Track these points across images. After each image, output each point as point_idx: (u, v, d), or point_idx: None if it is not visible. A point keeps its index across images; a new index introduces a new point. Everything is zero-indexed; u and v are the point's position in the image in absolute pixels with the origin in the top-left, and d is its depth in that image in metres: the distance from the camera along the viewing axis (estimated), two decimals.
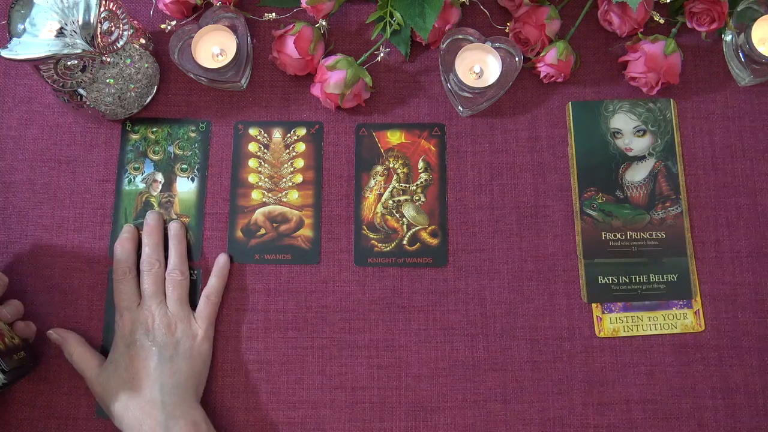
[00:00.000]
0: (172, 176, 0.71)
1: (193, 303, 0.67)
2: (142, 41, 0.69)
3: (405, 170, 0.71)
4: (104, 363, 0.64)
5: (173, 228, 0.68)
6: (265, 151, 0.71)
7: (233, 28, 0.69)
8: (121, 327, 0.64)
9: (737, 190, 0.70)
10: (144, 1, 0.74)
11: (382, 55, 0.70)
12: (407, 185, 0.70)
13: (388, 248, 0.69)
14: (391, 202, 0.70)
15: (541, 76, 0.71)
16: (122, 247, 0.67)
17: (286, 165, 0.71)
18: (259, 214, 0.70)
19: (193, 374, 0.63)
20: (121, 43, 0.65)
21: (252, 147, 0.71)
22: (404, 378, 0.66)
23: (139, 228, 0.69)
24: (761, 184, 0.70)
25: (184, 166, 0.71)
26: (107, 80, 0.66)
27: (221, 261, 0.68)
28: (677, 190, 0.70)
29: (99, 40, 0.62)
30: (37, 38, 0.60)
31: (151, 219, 0.68)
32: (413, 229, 0.69)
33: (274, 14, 0.71)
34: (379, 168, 0.71)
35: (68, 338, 0.65)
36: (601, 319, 0.67)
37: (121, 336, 0.64)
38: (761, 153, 0.71)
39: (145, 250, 0.67)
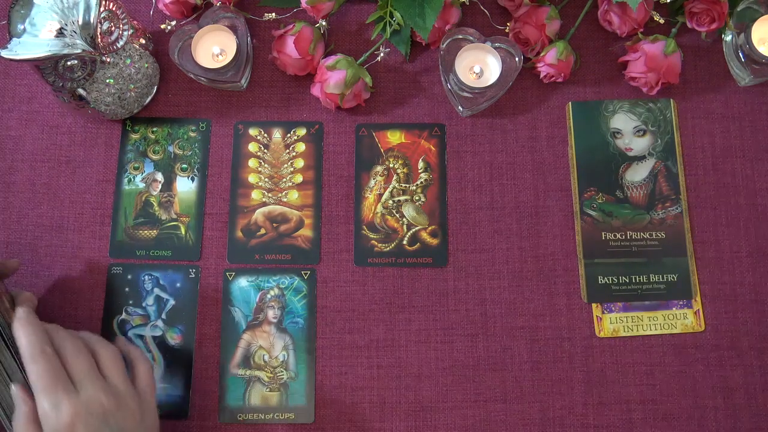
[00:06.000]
0: (172, 176, 0.71)
1: None
2: (142, 41, 0.69)
3: (405, 170, 0.71)
4: None
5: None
6: (265, 151, 0.71)
7: (233, 28, 0.69)
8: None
9: (737, 190, 0.70)
10: (144, 1, 0.74)
11: (382, 55, 0.70)
12: (407, 185, 0.70)
13: (388, 248, 0.69)
14: (391, 202, 0.70)
15: (541, 76, 0.71)
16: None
17: (286, 165, 0.71)
18: (259, 214, 0.70)
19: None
20: (121, 43, 0.65)
21: (252, 147, 0.71)
22: (404, 378, 0.66)
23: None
24: (761, 184, 0.70)
25: (184, 165, 0.71)
26: (107, 80, 0.66)
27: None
28: (677, 190, 0.70)
29: (99, 40, 0.62)
30: (37, 38, 0.60)
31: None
32: (413, 229, 0.69)
33: (274, 14, 0.71)
34: (379, 168, 0.71)
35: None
36: (601, 319, 0.67)
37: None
38: (761, 153, 0.71)
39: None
